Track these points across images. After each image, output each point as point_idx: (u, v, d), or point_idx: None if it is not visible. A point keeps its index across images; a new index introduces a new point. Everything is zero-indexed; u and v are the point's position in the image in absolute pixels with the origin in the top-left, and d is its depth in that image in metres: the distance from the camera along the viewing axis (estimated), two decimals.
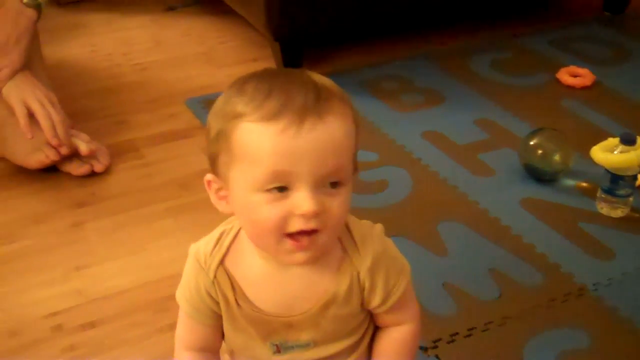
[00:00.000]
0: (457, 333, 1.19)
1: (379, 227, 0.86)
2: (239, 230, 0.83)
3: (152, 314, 1.25)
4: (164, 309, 1.25)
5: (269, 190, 0.72)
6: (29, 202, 1.55)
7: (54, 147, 1.54)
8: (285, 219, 0.73)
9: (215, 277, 0.82)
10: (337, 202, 0.74)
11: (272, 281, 0.81)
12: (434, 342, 1.16)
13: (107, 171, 1.63)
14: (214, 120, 0.76)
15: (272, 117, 0.71)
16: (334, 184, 0.74)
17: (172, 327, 1.20)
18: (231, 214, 0.81)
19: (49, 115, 1.53)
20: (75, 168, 1.60)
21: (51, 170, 1.61)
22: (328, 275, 0.82)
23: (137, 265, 1.36)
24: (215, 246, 0.83)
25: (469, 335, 1.19)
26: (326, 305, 0.82)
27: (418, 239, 1.39)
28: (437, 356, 1.14)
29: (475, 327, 1.20)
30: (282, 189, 0.72)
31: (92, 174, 1.61)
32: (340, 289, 0.82)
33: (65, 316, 1.25)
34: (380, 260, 0.83)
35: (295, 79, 0.75)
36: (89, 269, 1.36)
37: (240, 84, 0.75)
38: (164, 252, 1.39)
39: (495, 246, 1.39)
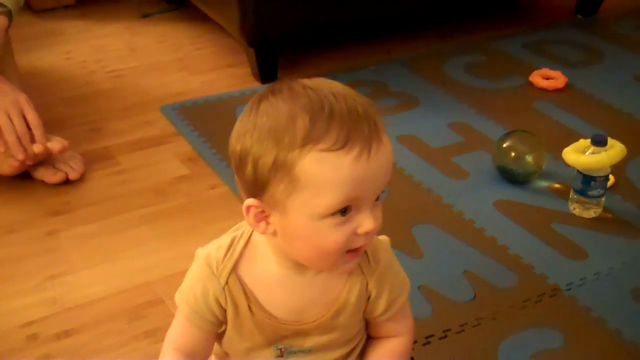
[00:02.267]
0: (432, 335, 1.20)
1: (386, 240, 0.88)
2: (249, 237, 0.83)
3: (127, 322, 1.24)
4: (140, 316, 1.25)
5: (333, 215, 0.72)
6: (3, 211, 1.54)
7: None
8: (350, 239, 0.74)
9: (226, 283, 0.82)
10: (380, 212, 0.76)
11: (288, 287, 0.82)
12: None
13: (81, 179, 1.62)
14: (260, 148, 0.71)
15: (344, 144, 0.69)
16: (378, 196, 0.75)
17: (147, 334, 1.21)
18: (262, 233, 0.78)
19: (14, 129, 1.49)
20: (50, 176, 1.59)
21: (25, 179, 1.60)
22: (340, 282, 0.83)
23: (112, 274, 1.36)
24: (227, 252, 0.82)
25: (443, 337, 1.20)
26: (337, 313, 0.83)
27: (393, 242, 1.35)
28: (412, 358, 1.14)
29: (450, 329, 1.21)
30: (345, 212, 0.72)
31: (67, 182, 1.60)
32: (351, 296, 0.83)
33: (40, 325, 1.24)
34: (387, 270, 0.85)
35: (338, 94, 0.72)
36: (64, 277, 1.35)
37: (287, 106, 0.71)
38: (140, 260, 1.39)
39: (470, 248, 1.40)
